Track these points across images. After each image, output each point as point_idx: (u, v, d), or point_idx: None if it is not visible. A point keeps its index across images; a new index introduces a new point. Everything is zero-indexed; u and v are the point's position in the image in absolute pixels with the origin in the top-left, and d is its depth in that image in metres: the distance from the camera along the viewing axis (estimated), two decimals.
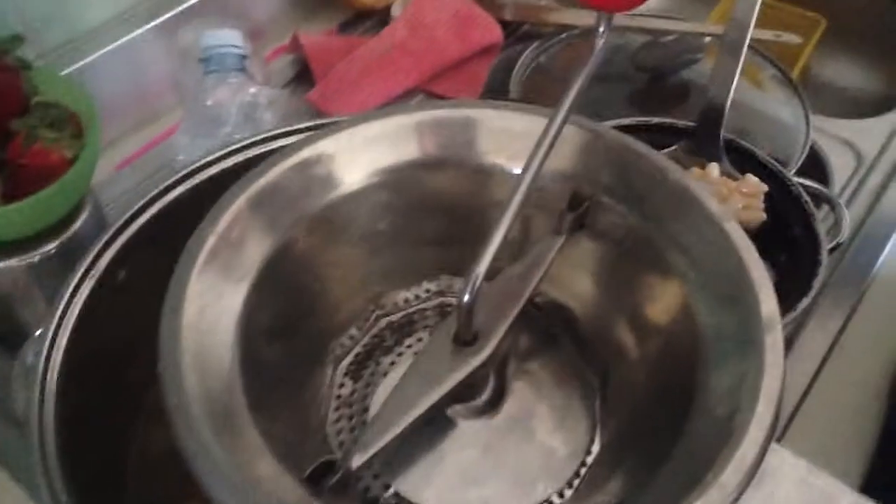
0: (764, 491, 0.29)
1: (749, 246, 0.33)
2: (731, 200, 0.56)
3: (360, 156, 0.37)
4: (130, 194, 0.63)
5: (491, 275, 0.33)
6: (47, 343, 0.37)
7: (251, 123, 0.60)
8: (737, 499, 0.27)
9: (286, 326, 0.35)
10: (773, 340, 0.30)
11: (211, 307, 0.31)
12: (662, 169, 0.37)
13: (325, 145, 0.36)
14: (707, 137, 0.62)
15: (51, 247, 0.52)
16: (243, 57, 0.62)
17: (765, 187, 0.58)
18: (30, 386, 0.37)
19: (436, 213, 0.39)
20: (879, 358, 0.59)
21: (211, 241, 0.32)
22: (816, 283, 0.54)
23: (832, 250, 0.58)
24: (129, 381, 0.42)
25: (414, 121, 0.37)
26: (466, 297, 0.31)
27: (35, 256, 0.52)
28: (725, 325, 0.32)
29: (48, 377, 0.37)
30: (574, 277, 0.38)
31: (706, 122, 0.62)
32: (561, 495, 0.34)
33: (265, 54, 0.78)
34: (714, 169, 0.58)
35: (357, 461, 0.30)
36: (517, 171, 0.37)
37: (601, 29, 0.35)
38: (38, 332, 0.43)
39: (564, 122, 0.34)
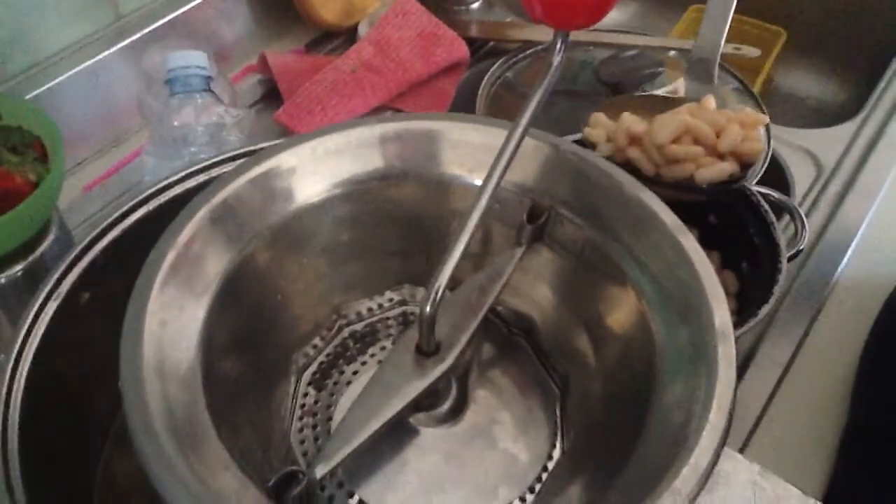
0: (717, 494, 0.29)
1: (703, 259, 0.34)
2: (729, 131, 0.53)
3: (321, 168, 0.37)
4: (98, 216, 0.63)
5: (452, 285, 0.33)
6: (9, 368, 0.37)
7: (217, 143, 0.60)
8: (692, 499, 0.27)
9: (249, 338, 0.35)
10: (726, 351, 0.31)
11: (172, 322, 0.31)
12: (619, 182, 0.37)
13: (285, 158, 0.37)
14: None
15: (16, 269, 0.52)
16: (209, 78, 0.62)
17: (765, 118, 0.57)
18: None
19: (398, 225, 0.39)
20: (841, 364, 0.60)
21: (171, 256, 0.32)
22: (777, 290, 0.55)
23: (792, 258, 0.59)
24: (94, 405, 0.42)
25: (375, 133, 0.38)
26: (428, 309, 0.32)
27: (0, 279, 0.52)
28: (680, 336, 0.32)
29: (11, 404, 0.37)
30: (534, 288, 0.39)
31: None
32: (523, 500, 0.34)
33: (232, 75, 0.78)
34: (710, 101, 0.57)
35: (321, 471, 0.30)
36: (477, 182, 0.38)
37: (558, 45, 0.36)
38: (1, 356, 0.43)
39: (524, 135, 0.35)
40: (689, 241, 0.34)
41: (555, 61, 0.36)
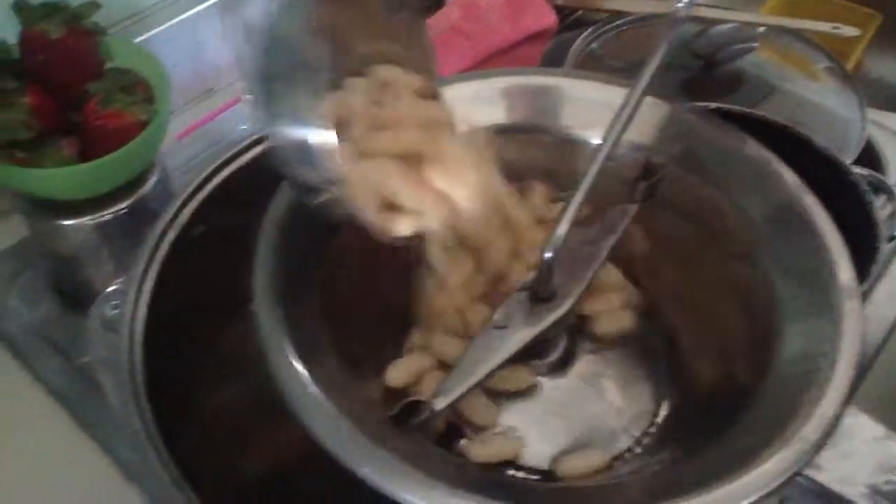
0: (840, 449, 0.29)
1: (825, 217, 0.34)
2: None
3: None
4: (193, 162, 0.65)
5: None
6: (134, 289, 0.39)
7: None
8: (816, 453, 0.27)
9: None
10: (852, 307, 0.31)
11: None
12: (738, 141, 0.37)
13: None
14: None
15: (122, 207, 0.54)
16: None
17: None
18: (118, 336, 0.38)
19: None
20: None
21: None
22: (875, 270, 0.54)
23: (890, 240, 0.58)
24: (204, 330, 0.43)
25: (495, 86, 0.38)
26: (548, 253, 0.32)
27: (106, 216, 0.53)
28: (802, 293, 0.32)
29: (135, 324, 0.38)
30: (644, 244, 0.39)
31: None
32: (630, 452, 0.34)
33: None
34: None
35: (440, 404, 0.31)
36: (595, 139, 0.38)
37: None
38: (112, 288, 0.45)
39: (644, 94, 0.34)
40: (811, 200, 0.34)
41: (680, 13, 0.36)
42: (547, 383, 0.36)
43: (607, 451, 0.34)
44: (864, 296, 0.56)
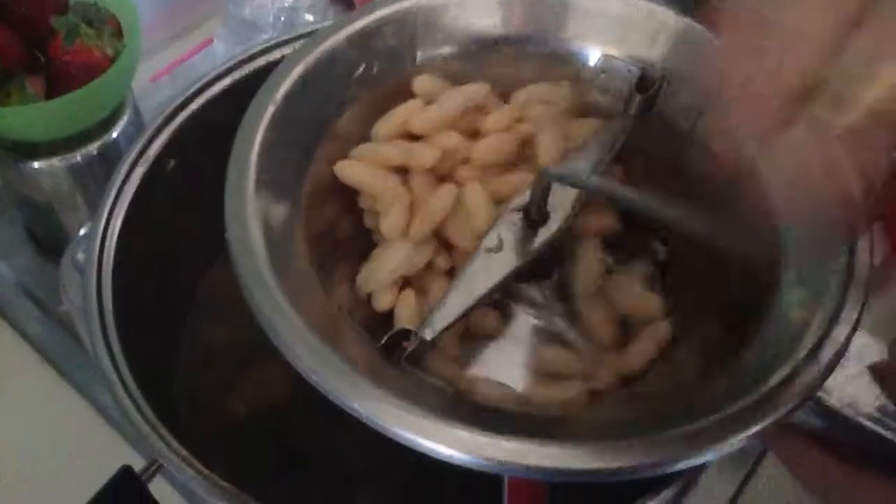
0: (847, 372, 0.28)
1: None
2: None
3: (438, 21, 0.35)
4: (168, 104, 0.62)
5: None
6: (101, 227, 0.37)
7: (291, 29, 0.58)
8: (827, 375, 0.26)
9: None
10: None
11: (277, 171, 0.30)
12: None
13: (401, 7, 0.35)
14: None
15: (93, 148, 0.51)
16: None
17: None
18: (84, 279, 0.36)
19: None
20: None
21: (270, 110, 0.31)
22: None
23: None
24: (180, 272, 0.41)
25: None
26: (550, 169, 0.30)
27: (77, 157, 0.51)
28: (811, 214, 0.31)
29: (104, 265, 0.36)
30: (640, 160, 0.37)
31: None
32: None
33: None
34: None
35: (430, 333, 0.29)
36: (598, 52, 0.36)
37: None
38: (83, 231, 0.43)
39: None
40: None
41: None
42: (537, 312, 0.34)
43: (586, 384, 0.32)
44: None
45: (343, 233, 0.34)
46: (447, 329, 0.30)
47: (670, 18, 0.36)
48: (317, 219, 0.32)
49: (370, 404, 0.25)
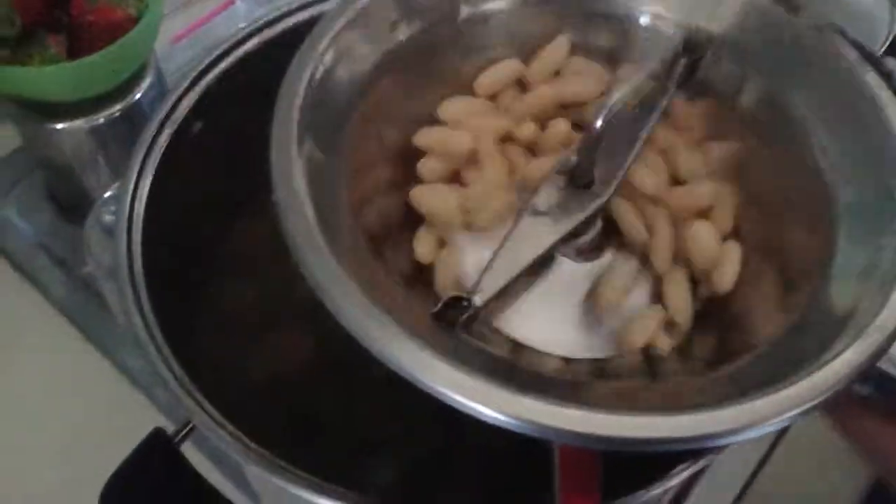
0: None
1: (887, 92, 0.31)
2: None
3: None
4: (190, 66, 0.62)
5: None
6: (130, 189, 0.36)
7: None
8: (891, 342, 0.25)
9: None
10: None
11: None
12: (793, 23, 0.34)
13: None
14: None
15: (115, 109, 0.51)
16: None
17: None
18: (115, 241, 0.36)
19: None
20: None
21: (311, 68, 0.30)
22: None
23: None
24: (203, 234, 0.41)
25: None
26: (598, 124, 0.29)
27: (100, 119, 0.51)
28: (861, 180, 0.30)
29: (133, 226, 0.36)
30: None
31: None
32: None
33: None
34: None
35: (481, 298, 0.29)
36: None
37: None
38: (109, 193, 0.43)
39: None
40: (874, 78, 0.31)
41: None
42: (578, 267, 0.34)
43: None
44: None
45: (387, 200, 0.33)
46: (497, 294, 0.30)
47: None
48: (362, 183, 0.31)
49: (433, 373, 0.24)
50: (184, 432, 0.32)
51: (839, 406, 0.27)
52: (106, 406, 0.49)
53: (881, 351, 0.25)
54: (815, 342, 0.26)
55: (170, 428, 0.34)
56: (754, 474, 0.50)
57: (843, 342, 0.25)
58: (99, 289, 0.50)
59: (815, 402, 0.24)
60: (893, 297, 0.26)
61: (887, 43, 0.65)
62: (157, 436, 0.32)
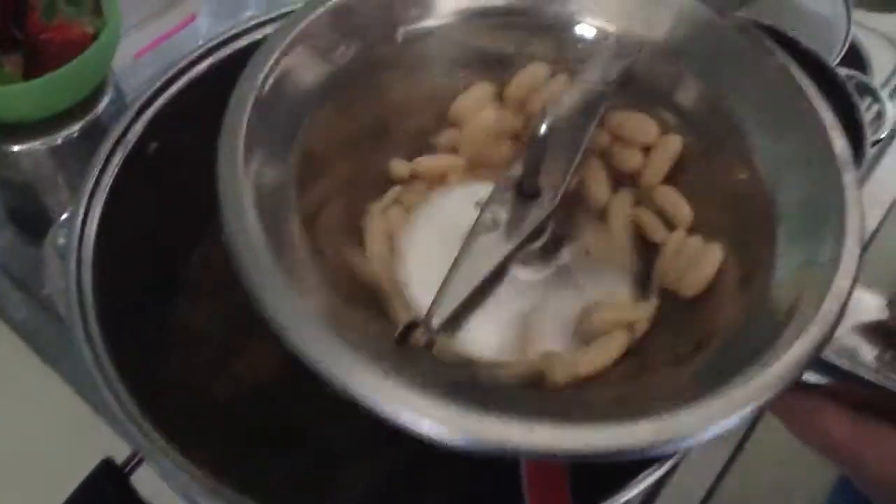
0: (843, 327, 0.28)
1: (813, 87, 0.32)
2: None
3: None
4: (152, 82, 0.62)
5: None
6: (81, 213, 0.36)
7: (275, 7, 0.57)
8: (834, 328, 0.26)
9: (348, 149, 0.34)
10: (851, 179, 0.29)
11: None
12: (724, 23, 0.35)
13: None
14: None
15: (74, 129, 0.51)
16: None
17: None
18: (66, 263, 0.36)
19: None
20: None
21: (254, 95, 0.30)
22: (860, 172, 0.52)
23: (874, 144, 0.56)
24: (161, 255, 0.41)
25: None
26: (542, 131, 0.29)
27: (58, 139, 0.50)
28: (797, 178, 0.31)
29: (83, 250, 0.36)
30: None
31: None
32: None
33: None
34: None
35: (437, 321, 0.30)
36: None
37: None
38: (64, 216, 0.42)
39: None
40: (800, 75, 0.32)
41: None
42: (528, 275, 0.34)
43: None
44: None
45: (333, 215, 0.33)
46: (454, 314, 0.30)
47: None
48: (309, 199, 0.31)
49: (380, 394, 0.24)
50: (134, 461, 0.32)
51: (786, 400, 0.27)
52: (66, 431, 0.48)
53: (825, 341, 0.26)
54: (765, 337, 0.26)
55: (126, 454, 0.33)
56: (722, 474, 0.51)
57: (788, 336, 0.26)
58: (58, 311, 0.50)
59: (770, 395, 0.25)
60: (829, 296, 0.26)
61: (844, 49, 0.66)
62: (106, 466, 0.31)
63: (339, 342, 0.25)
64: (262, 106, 0.30)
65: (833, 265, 0.27)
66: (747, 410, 0.25)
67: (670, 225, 0.34)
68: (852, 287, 0.27)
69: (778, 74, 0.33)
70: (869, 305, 0.28)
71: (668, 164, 0.35)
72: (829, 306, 0.26)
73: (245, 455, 0.40)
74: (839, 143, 0.30)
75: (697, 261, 0.32)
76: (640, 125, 0.35)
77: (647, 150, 0.35)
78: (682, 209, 0.34)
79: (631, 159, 0.35)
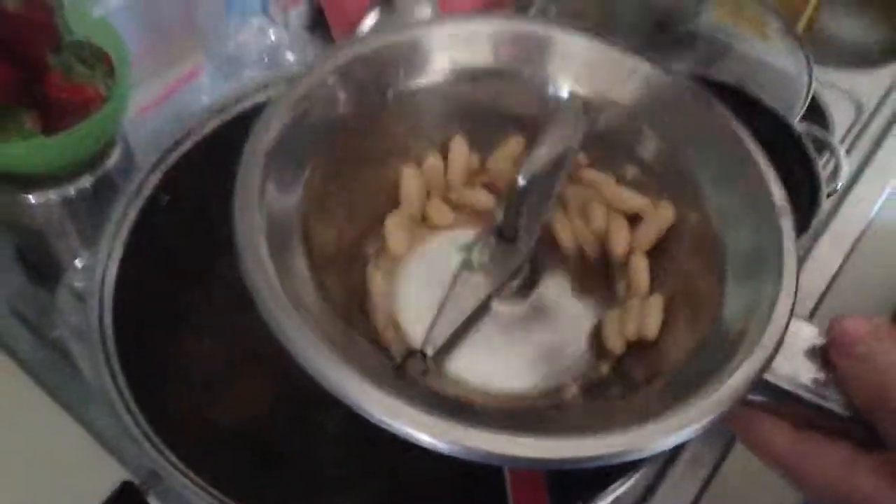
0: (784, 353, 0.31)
1: (760, 150, 0.37)
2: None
3: (431, 51, 0.39)
4: (157, 135, 0.65)
5: None
6: (103, 259, 0.40)
7: (274, 65, 0.62)
8: (776, 352, 0.30)
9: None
10: (788, 225, 0.34)
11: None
12: (685, 88, 0.39)
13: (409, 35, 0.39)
14: None
15: (86, 182, 0.54)
16: None
17: None
18: (87, 306, 0.39)
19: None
20: (873, 302, 0.62)
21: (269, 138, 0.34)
22: (814, 223, 0.56)
23: (829, 195, 0.60)
24: (169, 295, 0.44)
25: (490, 29, 0.39)
26: (522, 182, 0.34)
27: (71, 190, 0.54)
28: (743, 223, 0.35)
29: (104, 293, 0.39)
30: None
31: None
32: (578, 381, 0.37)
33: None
34: None
35: (431, 350, 0.34)
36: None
37: None
38: (78, 261, 0.46)
39: None
40: (755, 146, 0.36)
41: None
42: (505, 309, 0.38)
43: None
44: (807, 249, 0.59)
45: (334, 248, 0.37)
46: (446, 344, 0.34)
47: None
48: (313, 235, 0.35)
49: (386, 410, 0.28)
50: (150, 483, 0.35)
51: (737, 416, 0.31)
52: (73, 465, 0.50)
53: (768, 363, 0.30)
54: (715, 362, 0.31)
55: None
56: (710, 478, 0.54)
57: (736, 360, 0.30)
58: (68, 350, 0.52)
59: (724, 409, 0.29)
60: (770, 326, 0.31)
61: (805, 105, 0.70)
62: (125, 488, 0.34)
63: (352, 370, 0.28)
64: (271, 154, 0.34)
65: (773, 300, 0.31)
66: (705, 421, 0.29)
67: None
68: (790, 318, 0.31)
69: (723, 130, 0.37)
70: (806, 333, 0.32)
71: (655, 237, 0.39)
72: (771, 335, 0.30)
73: (240, 479, 0.43)
74: (777, 192, 0.35)
75: (644, 314, 0.36)
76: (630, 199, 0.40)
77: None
78: (642, 279, 0.38)
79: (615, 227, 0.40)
